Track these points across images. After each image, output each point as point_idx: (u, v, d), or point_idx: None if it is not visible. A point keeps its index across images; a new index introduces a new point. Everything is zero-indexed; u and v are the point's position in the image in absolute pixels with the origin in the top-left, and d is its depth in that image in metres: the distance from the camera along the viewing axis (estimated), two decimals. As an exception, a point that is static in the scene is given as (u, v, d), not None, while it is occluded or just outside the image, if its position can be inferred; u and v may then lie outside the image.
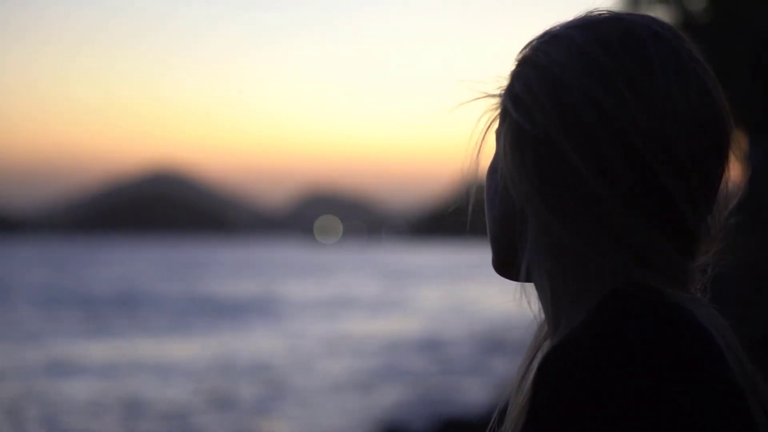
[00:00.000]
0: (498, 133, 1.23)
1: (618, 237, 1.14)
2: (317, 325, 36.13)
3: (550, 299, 1.20)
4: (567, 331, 1.12)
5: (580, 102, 1.14)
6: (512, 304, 1.28)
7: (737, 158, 1.19)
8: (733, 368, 1.10)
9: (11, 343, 29.46)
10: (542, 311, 1.24)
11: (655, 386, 1.04)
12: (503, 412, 1.28)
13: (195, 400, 19.24)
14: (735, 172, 1.20)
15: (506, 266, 1.24)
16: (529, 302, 1.27)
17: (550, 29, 1.21)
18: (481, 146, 1.26)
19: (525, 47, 1.21)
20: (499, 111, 1.23)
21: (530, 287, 1.24)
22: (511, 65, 1.23)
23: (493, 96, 1.24)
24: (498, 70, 1.24)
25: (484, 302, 45.83)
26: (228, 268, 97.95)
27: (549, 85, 1.16)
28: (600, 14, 1.20)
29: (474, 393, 19.64)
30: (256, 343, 30.23)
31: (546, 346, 1.26)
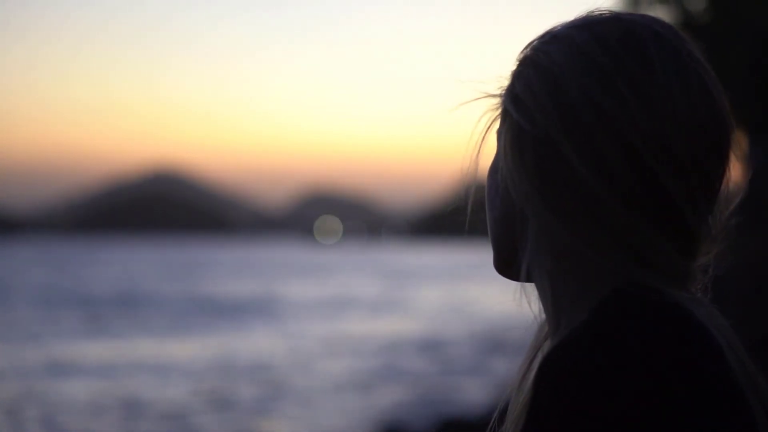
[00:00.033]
0: (498, 133, 1.23)
1: (618, 237, 1.14)
2: (317, 325, 36.14)
3: (550, 299, 1.20)
4: (567, 331, 1.13)
5: (580, 102, 1.14)
6: (512, 304, 1.28)
7: (738, 158, 1.19)
8: (733, 368, 1.10)
9: (11, 344, 29.46)
10: (543, 311, 1.24)
11: (656, 386, 1.04)
12: (503, 412, 1.28)
13: (194, 400, 19.24)
14: (735, 172, 1.19)
15: (507, 266, 1.24)
16: (529, 302, 1.27)
17: (551, 29, 1.21)
18: (480, 146, 1.26)
19: (526, 47, 1.21)
20: (499, 111, 1.23)
21: (531, 287, 1.24)
22: (511, 65, 1.23)
23: (494, 96, 1.24)
24: (498, 70, 1.24)
25: (484, 302, 45.84)
26: (228, 268, 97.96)
27: (549, 85, 1.16)
28: (601, 14, 1.20)
29: (474, 393, 19.64)
30: (256, 343, 30.24)
31: (546, 346, 1.26)
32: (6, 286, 60.72)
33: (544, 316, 1.25)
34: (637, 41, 1.16)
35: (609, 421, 1.03)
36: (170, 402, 18.95)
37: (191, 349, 28.45)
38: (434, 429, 14.73)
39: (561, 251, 1.17)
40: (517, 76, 1.21)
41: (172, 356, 26.53)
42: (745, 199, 1.23)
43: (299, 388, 20.69)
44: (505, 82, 1.23)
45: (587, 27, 1.18)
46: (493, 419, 1.32)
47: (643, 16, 1.19)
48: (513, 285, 1.26)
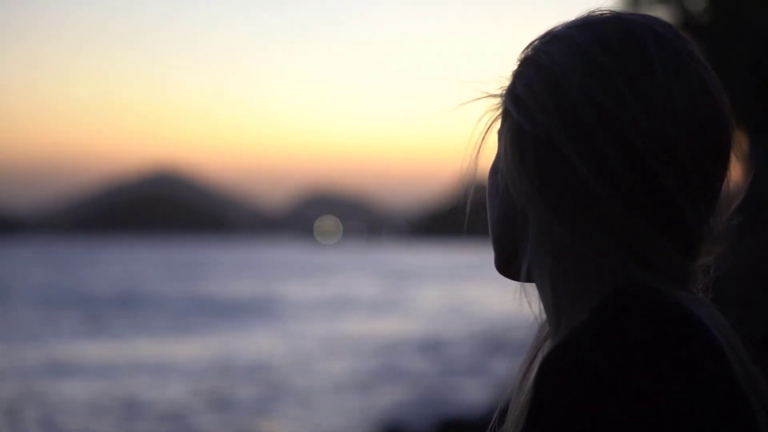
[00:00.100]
0: (499, 133, 1.23)
1: (618, 237, 1.14)
2: (317, 326, 36.14)
3: (551, 299, 1.20)
4: (568, 331, 1.13)
5: (580, 102, 1.14)
6: (512, 304, 1.28)
7: (738, 159, 1.19)
8: (734, 368, 1.10)
9: (11, 344, 29.47)
10: (543, 311, 1.25)
11: (656, 386, 1.04)
12: (504, 412, 1.28)
13: (194, 400, 19.24)
14: (736, 172, 1.19)
15: (508, 266, 1.24)
16: (529, 302, 1.27)
17: (552, 29, 1.21)
18: (480, 146, 1.26)
19: (527, 47, 1.22)
20: (500, 111, 1.23)
21: (531, 287, 1.24)
22: (512, 65, 1.23)
23: (495, 96, 1.24)
24: (499, 70, 1.24)
25: (484, 302, 45.85)
26: (228, 268, 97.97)
27: (550, 85, 1.16)
28: (602, 14, 1.20)
29: (474, 393, 19.64)
30: (256, 343, 30.24)
31: (547, 346, 1.26)
32: (6, 286, 60.73)
33: (544, 316, 1.25)
34: (638, 41, 1.16)
35: (610, 421, 1.03)
36: (170, 402, 18.95)
37: (191, 349, 28.45)
38: (434, 429, 14.73)
39: (561, 251, 1.17)
40: (518, 76, 1.21)
41: (172, 356, 26.53)
42: (746, 199, 1.23)
43: (299, 388, 20.69)
44: (506, 82, 1.23)
45: (588, 27, 1.18)
46: (493, 419, 1.32)
47: (644, 16, 1.19)
48: (513, 285, 1.27)
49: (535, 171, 1.16)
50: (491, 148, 1.25)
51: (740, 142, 1.20)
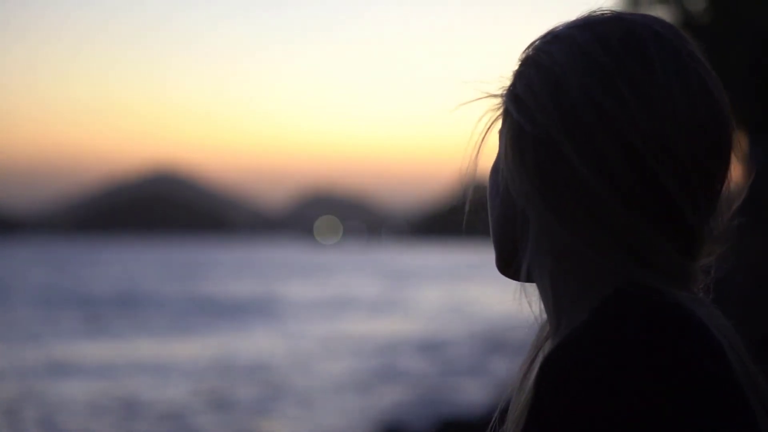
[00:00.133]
0: (500, 133, 1.23)
1: (618, 237, 1.14)
2: (317, 326, 36.15)
3: (551, 299, 1.20)
4: (568, 330, 1.13)
5: (580, 102, 1.14)
6: (512, 304, 1.28)
7: (739, 159, 1.19)
8: (735, 368, 1.10)
9: (11, 344, 29.47)
10: (544, 311, 1.25)
11: (657, 386, 1.04)
12: (504, 412, 1.28)
13: (194, 400, 19.24)
14: (737, 173, 1.19)
15: (508, 266, 1.24)
16: (529, 302, 1.27)
17: (553, 29, 1.21)
18: (480, 146, 1.26)
19: (528, 47, 1.22)
20: (500, 111, 1.23)
21: (531, 287, 1.24)
22: (513, 65, 1.23)
23: (495, 96, 1.24)
24: (498, 69, 1.25)
25: (484, 302, 45.85)
26: (228, 268, 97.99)
27: (551, 85, 1.16)
28: (602, 14, 1.20)
29: (474, 393, 19.64)
30: (256, 343, 30.24)
31: (547, 346, 1.26)
32: (6, 286, 60.74)
33: (545, 316, 1.25)
34: (638, 41, 1.16)
35: (610, 420, 1.03)
36: (170, 402, 18.95)
37: (191, 349, 28.46)
38: (434, 429, 14.73)
39: (561, 251, 1.17)
40: (519, 76, 1.21)
41: (172, 356, 26.54)
42: (746, 199, 1.23)
43: (299, 389, 20.69)
44: (507, 82, 1.23)
45: (589, 27, 1.18)
46: (493, 419, 1.32)
47: (645, 16, 1.19)
48: (513, 285, 1.27)
49: (535, 171, 1.16)
50: (491, 148, 1.25)
51: (740, 142, 1.20)
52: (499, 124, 1.24)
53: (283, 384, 21.35)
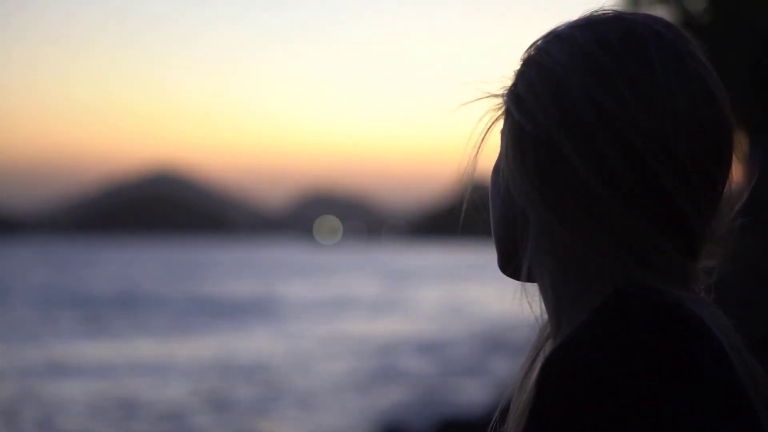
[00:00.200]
0: (501, 133, 1.23)
1: (618, 237, 1.14)
2: (317, 326, 36.15)
3: (551, 299, 1.20)
4: (569, 330, 1.13)
5: (581, 102, 1.14)
6: (512, 304, 1.28)
7: (739, 159, 1.19)
8: (736, 368, 1.10)
9: (11, 344, 29.47)
10: (545, 311, 1.25)
11: (658, 386, 1.04)
12: (505, 412, 1.28)
13: (194, 400, 19.24)
14: (737, 173, 1.19)
15: (509, 266, 1.24)
16: (530, 302, 1.27)
17: (555, 29, 1.21)
18: (480, 146, 1.26)
19: (530, 47, 1.22)
20: (501, 111, 1.23)
21: (532, 287, 1.24)
22: (515, 65, 1.23)
23: (496, 96, 1.24)
24: (499, 69, 1.25)
25: (484, 302, 45.85)
26: (228, 268, 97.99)
27: (552, 86, 1.16)
28: (604, 14, 1.20)
29: (474, 393, 19.65)
30: (256, 343, 30.24)
31: (548, 346, 1.26)
32: (6, 286, 60.74)
33: (546, 316, 1.25)
34: (638, 41, 1.16)
35: (611, 420, 1.03)
36: (169, 402, 18.95)
37: (191, 349, 28.46)
38: (434, 429, 14.73)
39: (562, 251, 1.17)
40: (520, 75, 1.21)
41: (172, 356, 26.53)
42: (746, 199, 1.23)
43: (299, 389, 20.69)
44: (508, 81, 1.23)
45: (590, 27, 1.18)
46: (494, 419, 1.32)
47: (646, 16, 1.19)
48: (513, 285, 1.27)
49: (535, 171, 1.16)
50: (492, 148, 1.25)
51: (741, 142, 1.20)
52: (500, 124, 1.24)
53: (283, 384, 21.35)
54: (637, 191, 1.13)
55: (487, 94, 1.24)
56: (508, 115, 1.21)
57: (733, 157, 1.18)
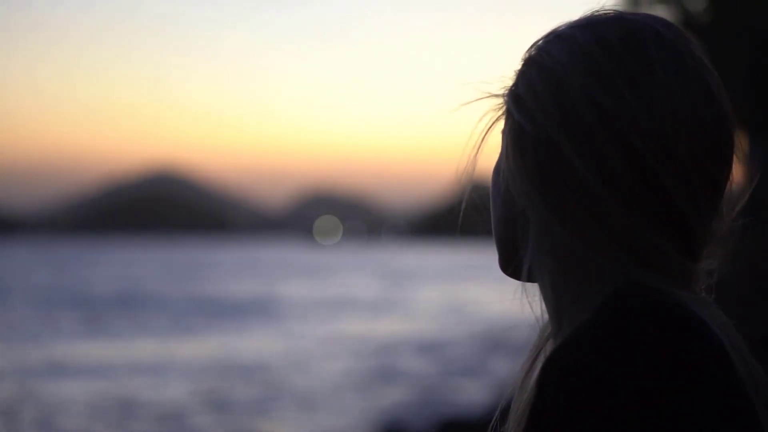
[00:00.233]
0: (502, 133, 1.23)
1: (618, 237, 1.14)
2: (317, 326, 36.15)
3: (552, 299, 1.20)
4: (570, 330, 1.13)
5: (581, 102, 1.14)
6: (512, 304, 1.28)
7: (740, 159, 1.19)
8: (737, 368, 1.10)
9: (11, 344, 29.46)
10: (545, 311, 1.25)
11: (658, 386, 1.04)
12: (505, 412, 1.28)
13: (193, 400, 19.24)
14: (738, 173, 1.19)
15: (510, 266, 1.24)
16: (530, 302, 1.27)
17: (556, 29, 1.21)
18: (480, 147, 1.26)
19: (530, 47, 1.22)
20: (502, 111, 1.23)
21: (533, 287, 1.24)
22: (515, 65, 1.23)
23: (497, 96, 1.24)
24: (499, 69, 1.25)
25: (484, 302, 45.84)
26: (228, 268, 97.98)
27: (552, 86, 1.16)
28: (605, 14, 1.20)
29: (474, 393, 19.65)
30: (256, 343, 30.24)
31: (549, 346, 1.26)
32: (6, 286, 60.74)
33: (546, 316, 1.25)
34: (638, 41, 1.16)
35: (612, 420, 1.03)
36: (169, 402, 18.95)
37: (191, 349, 28.46)
38: (434, 429, 14.73)
39: (562, 251, 1.17)
40: (521, 76, 1.21)
41: (172, 356, 26.53)
42: (747, 199, 1.23)
43: (299, 389, 20.69)
44: (509, 81, 1.23)
45: (590, 27, 1.18)
46: (494, 418, 1.32)
47: (647, 16, 1.19)
48: (513, 284, 1.27)
49: (535, 171, 1.16)
50: (492, 148, 1.25)
51: (741, 142, 1.20)
52: (500, 124, 1.24)
53: (282, 384, 21.35)
54: (637, 191, 1.13)
55: (488, 94, 1.24)
56: (508, 115, 1.21)
57: (734, 157, 1.18)
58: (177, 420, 17.23)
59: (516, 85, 1.21)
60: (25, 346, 28.57)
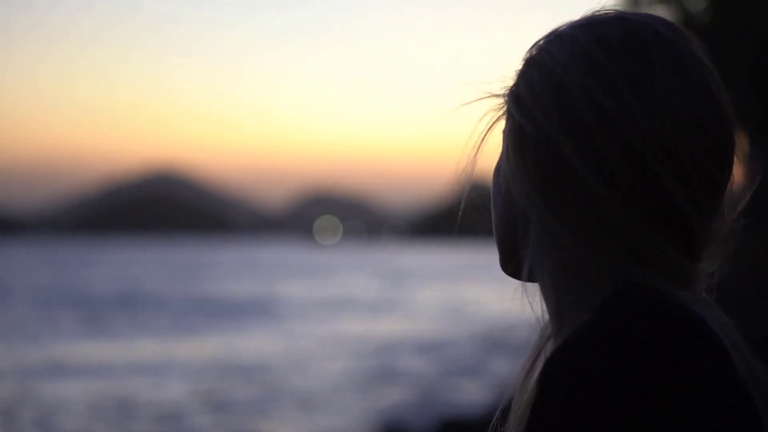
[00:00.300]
0: (503, 133, 1.23)
1: (618, 237, 1.14)
2: (317, 326, 36.15)
3: (552, 299, 1.20)
4: (570, 330, 1.13)
5: (581, 102, 1.14)
6: (512, 304, 1.28)
7: (740, 159, 1.19)
8: (738, 368, 1.10)
9: (11, 344, 29.46)
10: (546, 311, 1.25)
11: (659, 386, 1.04)
12: (506, 411, 1.28)
13: (193, 400, 19.24)
14: (739, 173, 1.19)
15: (511, 265, 1.24)
16: (531, 302, 1.27)
17: (556, 29, 1.21)
18: (480, 147, 1.26)
19: (531, 47, 1.22)
20: (503, 111, 1.23)
21: (533, 287, 1.24)
22: (516, 65, 1.23)
23: (497, 96, 1.24)
24: (500, 69, 1.25)
25: (484, 302, 45.84)
26: (228, 268, 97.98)
27: (552, 86, 1.16)
28: (605, 13, 1.20)
29: (474, 393, 19.65)
30: (256, 343, 30.24)
31: (550, 346, 1.26)
32: (6, 286, 60.74)
33: (547, 316, 1.25)
34: (639, 41, 1.16)
35: (613, 420, 1.03)
36: (169, 403, 18.95)
37: (191, 349, 28.46)
38: (434, 429, 14.74)
39: (562, 251, 1.17)
40: (521, 76, 1.21)
41: (172, 356, 26.54)
42: (748, 200, 1.23)
43: (299, 389, 20.69)
44: (509, 81, 1.23)
45: (591, 27, 1.18)
46: (495, 418, 1.32)
47: (647, 16, 1.19)
48: (513, 284, 1.27)
49: (535, 171, 1.16)
50: (493, 148, 1.25)
51: (742, 142, 1.20)
52: (501, 124, 1.24)
53: (282, 384, 21.35)
54: (637, 191, 1.13)
55: (488, 94, 1.24)
56: (509, 115, 1.21)
57: (734, 157, 1.18)
58: (177, 420, 17.23)
59: (516, 85, 1.21)
60: (25, 346, 28.57)
